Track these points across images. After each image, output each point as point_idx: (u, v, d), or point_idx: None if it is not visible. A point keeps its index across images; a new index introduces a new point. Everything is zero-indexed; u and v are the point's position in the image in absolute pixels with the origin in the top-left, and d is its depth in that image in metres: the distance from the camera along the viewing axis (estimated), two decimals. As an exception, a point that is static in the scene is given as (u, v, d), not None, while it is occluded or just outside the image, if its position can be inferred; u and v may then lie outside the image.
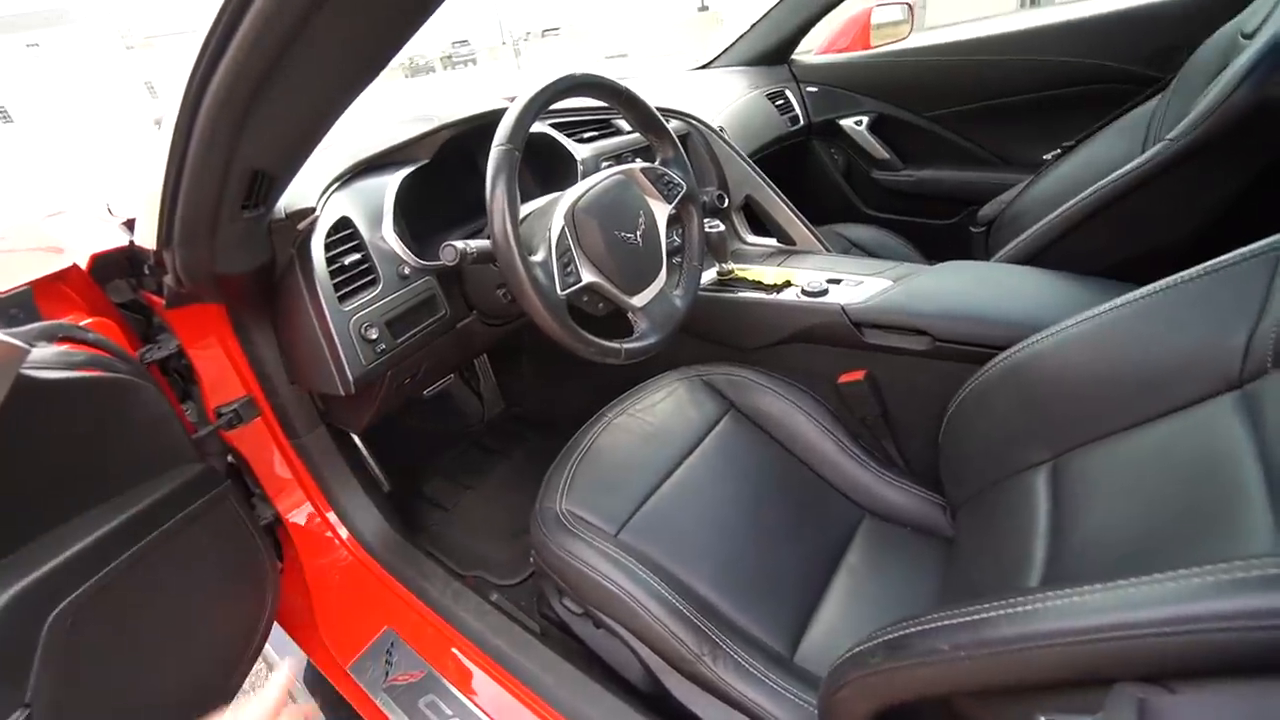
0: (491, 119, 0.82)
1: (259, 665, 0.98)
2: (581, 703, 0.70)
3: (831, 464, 0.96)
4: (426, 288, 0.88)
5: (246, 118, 0.53)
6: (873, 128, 1.75)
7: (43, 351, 0.58)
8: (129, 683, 0.67)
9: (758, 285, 1.07)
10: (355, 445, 1.09)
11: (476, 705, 0.77)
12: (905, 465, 0.98)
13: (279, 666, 1.06)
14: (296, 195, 0.77)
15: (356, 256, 0.80)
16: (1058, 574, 0.59)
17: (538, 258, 0.71)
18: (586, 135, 1.09)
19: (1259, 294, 0.58)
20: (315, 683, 1.07)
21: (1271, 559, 0.31)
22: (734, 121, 1.42)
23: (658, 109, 0.96)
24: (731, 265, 1.10)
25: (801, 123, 1.75)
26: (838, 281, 1.02)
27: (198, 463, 0.76)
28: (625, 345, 0.77)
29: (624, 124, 1.18)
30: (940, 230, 1.68)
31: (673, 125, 1.15)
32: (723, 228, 1.09)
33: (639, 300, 0.79)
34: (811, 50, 1.89)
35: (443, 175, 0.99)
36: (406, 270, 0.85)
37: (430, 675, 0.84)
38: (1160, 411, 0.63)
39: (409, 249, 0.87)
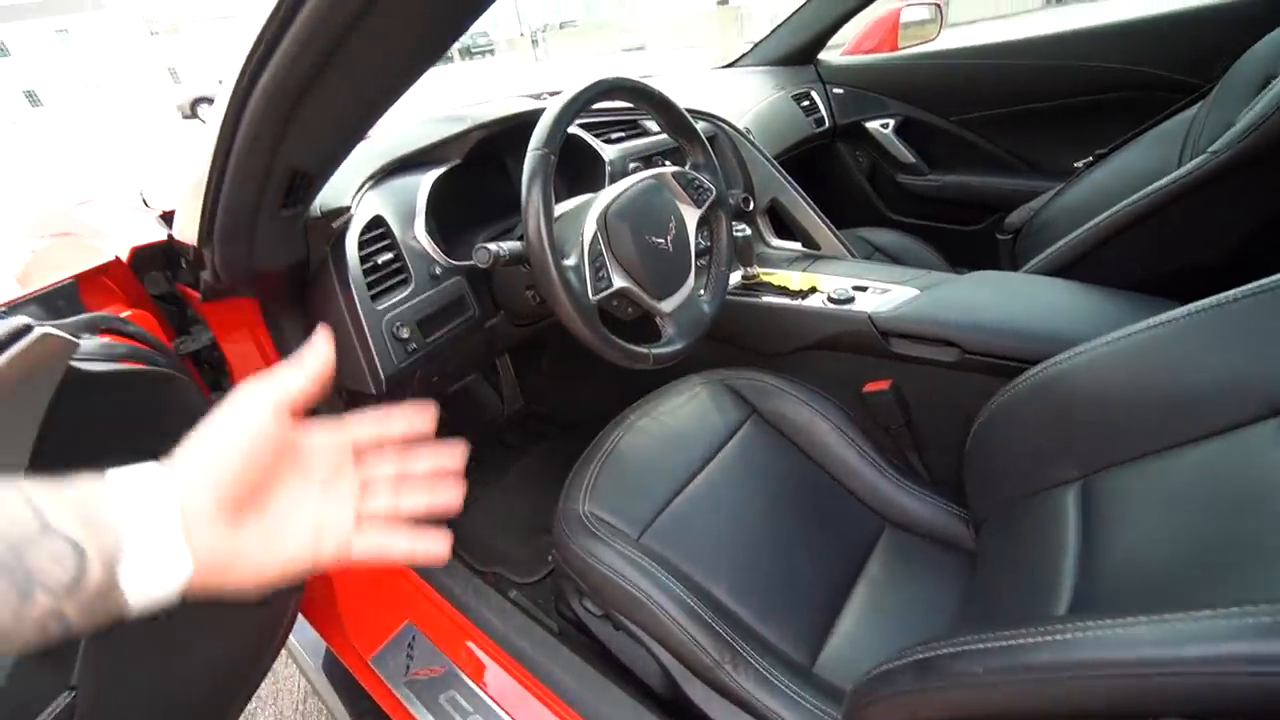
0: (522, 120, 0.83)
1: (281, 655, 1.00)
2: (601, 705, 0.71)
3: (853, 473, 0.96)
4: (456, 287, 0.88)
5: (290, 120, 0.53)
6: (899, 131, 1.73)
7: (88, 343, 0.59)
8: (163, 668, 0.68)
9: (783, 290, 1.07)
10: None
11: (496, 703, 0.78)
12: (928, 476, 0.97)
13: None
14: (331, 194, 0.78)
15: (389, 256, 0.81)
16: (1087, 597, 0.58)
17: (570, 262, 0.72)
18: (614, 136, 1.09)
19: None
20: (335, 673, 1.09)
21: None
22: (759, 123, 1.42)
23: (687, 109, 0.96)
24: (756, 269, 1.10)
25: (827, 124, 1.73)
26: (864, 289, 1.02)
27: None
28: (653, 350, 0.78)
29: (651, 125, 1.18)
30: (966, 236, 1.66)
31: (701, 126, 1.15)
32: (749, 232, 1.09)
33: (667, 305, 0.79)
34: (838, 50, 1.87)
35: (471, 174, 1.00)
36: (438, 270, 0.85)
37: (451, 671, 0.85)
38: (1198, 435, 0.62)
39: (439, 248, 0.87)
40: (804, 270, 1.11)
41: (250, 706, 1.27)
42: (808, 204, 1.21)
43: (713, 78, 1.69)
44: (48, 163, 11.71)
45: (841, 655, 0.77)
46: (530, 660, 0.77)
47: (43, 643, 0.26)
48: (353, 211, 0.79)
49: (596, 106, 1.13)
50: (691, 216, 0.84)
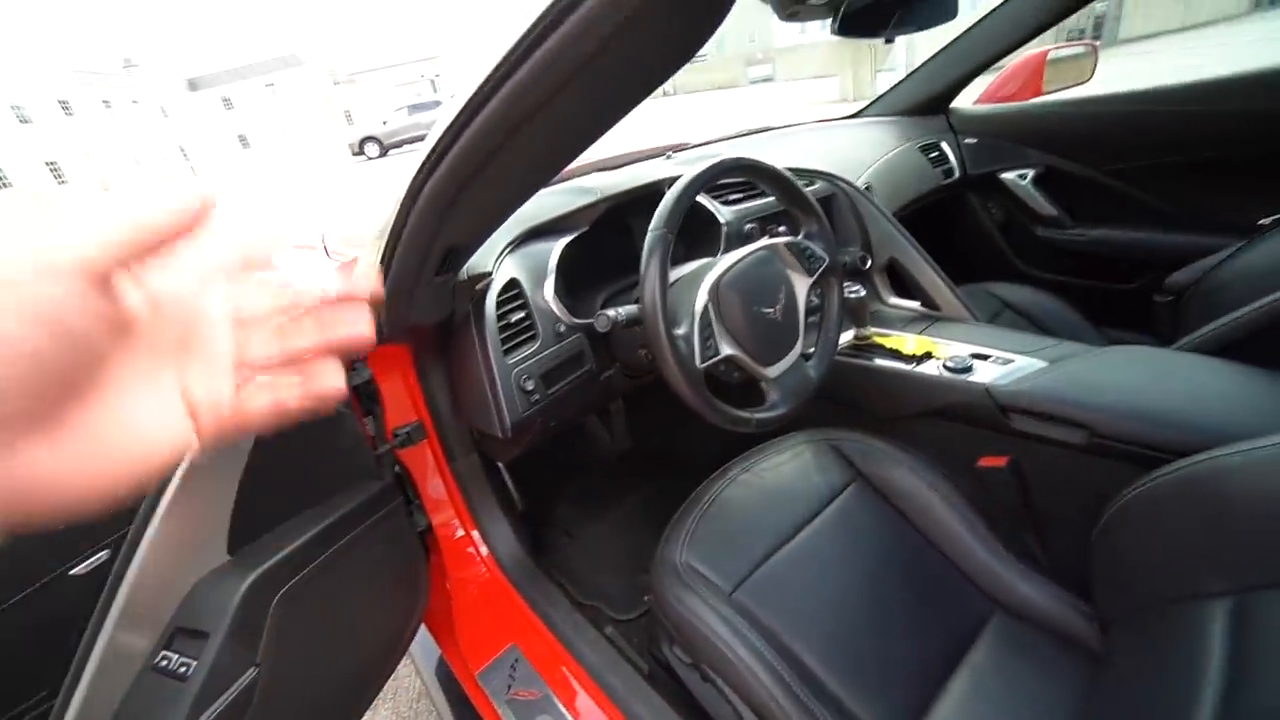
0: (648, 192, 0.90)
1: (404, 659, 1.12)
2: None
3: (963, 549, 0.92)
4: (577, 343, 0.97)
5: (449, 211, 0.64)
6: (1039, 181, 1.63)
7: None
8: (323, 655, 0.81)
9: (896, 354, 1.05)
10: (500, 471, 1.21)
11: None
12: (1047, 563, 0.91)
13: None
14: (477, 259, 0.90)
15: (521, 314, 0.91)
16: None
17: (681, 330, 0.77)
18: (732, 198, 1.13)
19: None
20: (446, 681, 1.19)
21: None
22: (882, 177, 1.40)
23: (804, 169, 0.99)
24: (870, 330, 1.09)
25: (956, 175, 1.67)
26: (984, 357, 0.98)
27: (379, 480, 0.90)
28: (756, 415, 0.80)
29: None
30: (1116, 296, 1.52)
31: (817, 186, 1.17)
32: (864, 292, 1.08)
33: (773, 371, 0.82)
34: (973, 99, 1.80)
35: (596, 235, 1.09)
36: (562, 328, 0.94)
37: (547, 697, 0.92)
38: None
39: (564, 307, 0.96)
40: (920, 333, 1.09)
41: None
42: (928, 262, 1.18)
43: (837, 130, 1.70)
44: (251, 198, 13.84)
45: (936, 745, 0.73)
46: (620, 697, 0.81)
47: None
48: (493, 275, 0.90)
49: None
50: (802, 285, 0.86)
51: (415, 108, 17.21)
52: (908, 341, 1.05)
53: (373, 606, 0.91)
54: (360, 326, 0.29)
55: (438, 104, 17.28)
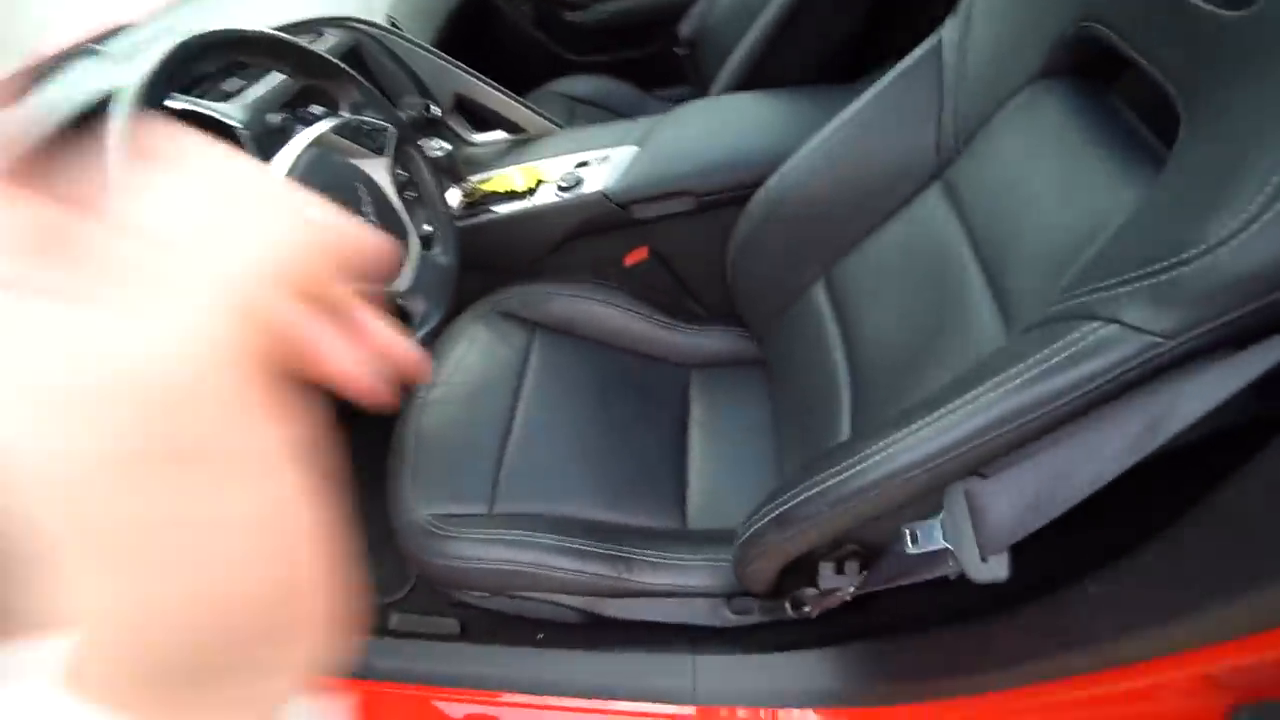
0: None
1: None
2: (537, 673, 0.72)
3: (647, 339, 1.00)
4: None
5: None
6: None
7: None
8: None
9: (510, 195, 0.99)
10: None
11: None
12: (707, 314, 1.06)
13: None
14: None
15: None
16: (861, 380, 0.70)
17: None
18: (227, 87, 0.83)
19: (935, 87, 0.67)
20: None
21: (1024, 368, 0.39)
22: (400, 6, 1.19)
23: (299, 22, 0.77)
24: (472, 182, 1.00)
25: (469, -24, 1.52)
26: (586, 164, 0.99)
27: None
28: (414, 339, 0.69)
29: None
30: (651, 62, 1.66)
31: (331, 41, 0.93)
32: (449, 146, 0.96)
33: (402, 282, 0.69)
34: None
35: None
36: None
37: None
38: (890, 211, 0.74)
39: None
40: (520, 164, 1.03)
41: None
42: (491, 85, 1.08)
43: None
44: None
45: (705, 501, 0.86)
46: (446, 675, 0.75)
47: None
48: None
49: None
50: (379, 169, 0.70)
51: None
52: (514, 178, 1.00)
53: None
54: None
55: None
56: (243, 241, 0.17)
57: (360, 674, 0.71)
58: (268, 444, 0.16)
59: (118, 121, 0.51)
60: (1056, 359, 0.38)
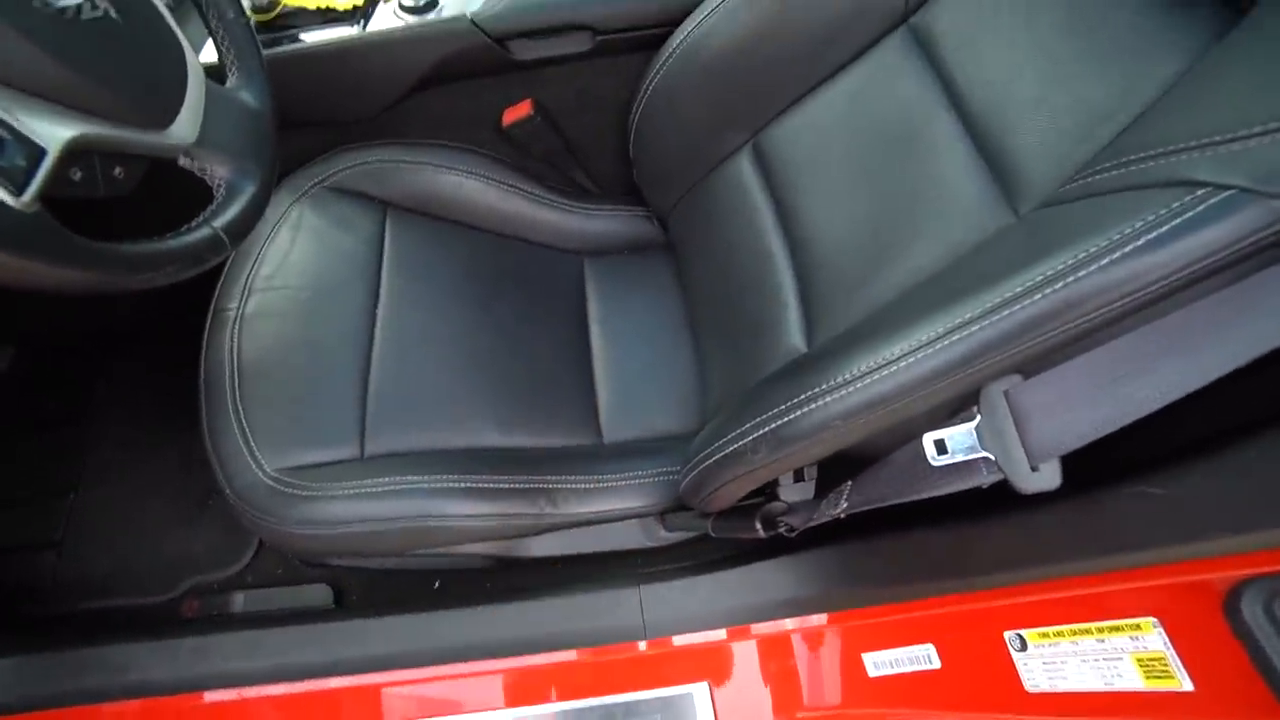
0: None
1: None
2: (444, 637, 0.59)
3: (528, 223, 0.83)
4: None
5: None
6: None
7: None
8: None
9: (329, 15, 0.70)
10: None
11: None
12: (602, 191, 0.89)
13: None
14: None
15: None
16: (808, 264, 0.61)
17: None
18: None
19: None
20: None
21: (1113, 242, 0.32)
22: None
23: None
24: (268, -9, 0.69)
25: None
26: (437, -22, 0.72)
27: None
28: (218, 224, 0.44)
29: None
30: None
31: None
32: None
33: (183, 129, 0.43)
34: None
35: None
36: None
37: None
38: (841, 63, 0.62)
39: None
40: (338, -30, 0.73)
41: None
42: None
43: None
44: None
45: (618, 409, 0.75)
46: (324, 664, 0.58)
47: None
48: None
49: None
50: None
51: None
52: (331, -10, 0.71)
53: None
54: None
55: None
56: None
57: (208, 683, 0.53)
58: None
59: None
60: (1163, 229, 0.31)
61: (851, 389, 0.40)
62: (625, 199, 0.86)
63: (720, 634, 0.58)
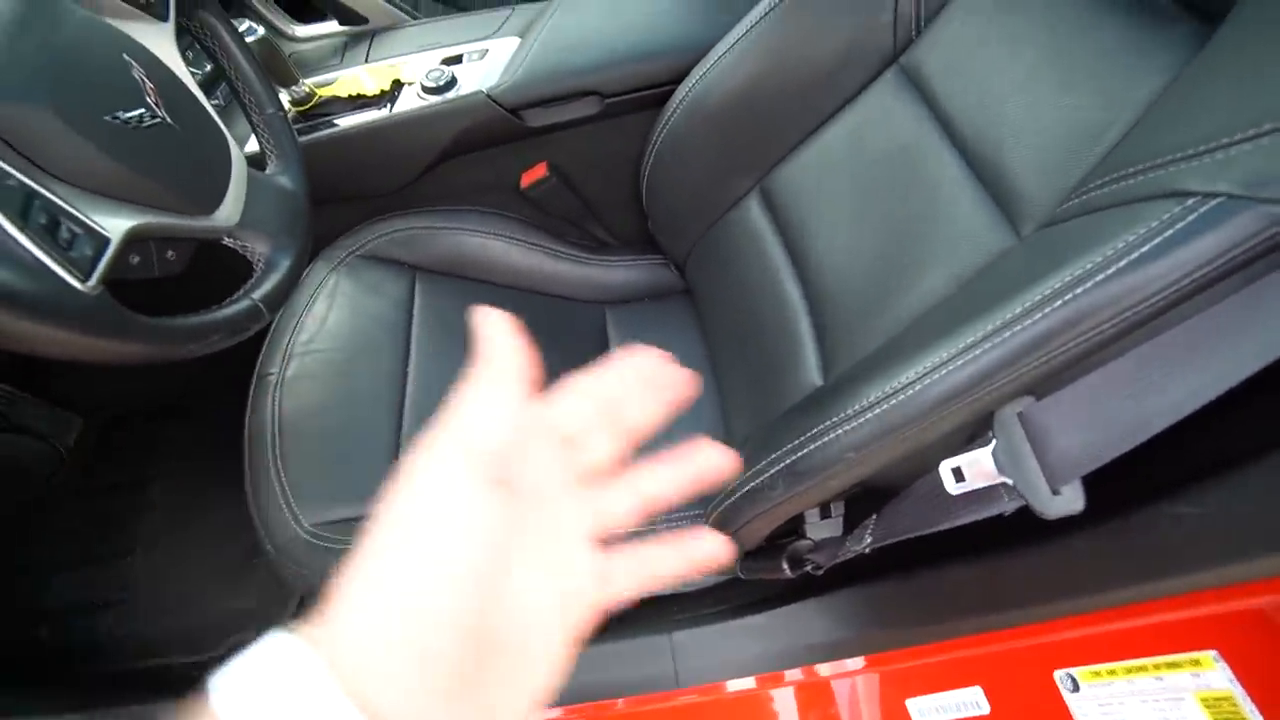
0: None
1: None
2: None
3: (553, 277, 0.86)
4: None
5: None
6: None
7: None
8: None
9: (360, 101, 0.77)
10: None
11: None
12: (619, 242, 0.93)
13: None
14: None
15: None
16: (821, 299, 0.62)
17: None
18: None
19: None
20: None
21: (1108, 257, 0.32)
22: None
23: None
24: (307, 84, 0.76)
25: None
26: (457, 59, 0.79)
27: None
28: (257, 296, 0.48)
29: None
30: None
31: None
32: (260, 30, 0.71)
33: (226, 213, 0.48)
34: None
35: None
36: None
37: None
38: (838, 105, 0.65)
39: None
40: (368, 62, 0.80)
41: None
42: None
43: None
44: None
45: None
46: None
47: None
48: None
49: None
50: (163, 41, 0.47)
51: None
52: (363, 79, 0.77)
53: None
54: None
55: None
56: None
57: None
58: None
59: None
60: (1155, 241, 0.31)
61: (862, 419, 0.40)
62: (643, 249, 0.88)
63: (758, 679, 0.56)
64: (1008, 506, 0.38)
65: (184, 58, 0.50)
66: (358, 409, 0.68)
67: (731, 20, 0.65)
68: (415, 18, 0.88)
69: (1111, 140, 0.41)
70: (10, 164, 0.35)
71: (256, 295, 0.48)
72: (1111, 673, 0.45)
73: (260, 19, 0.77)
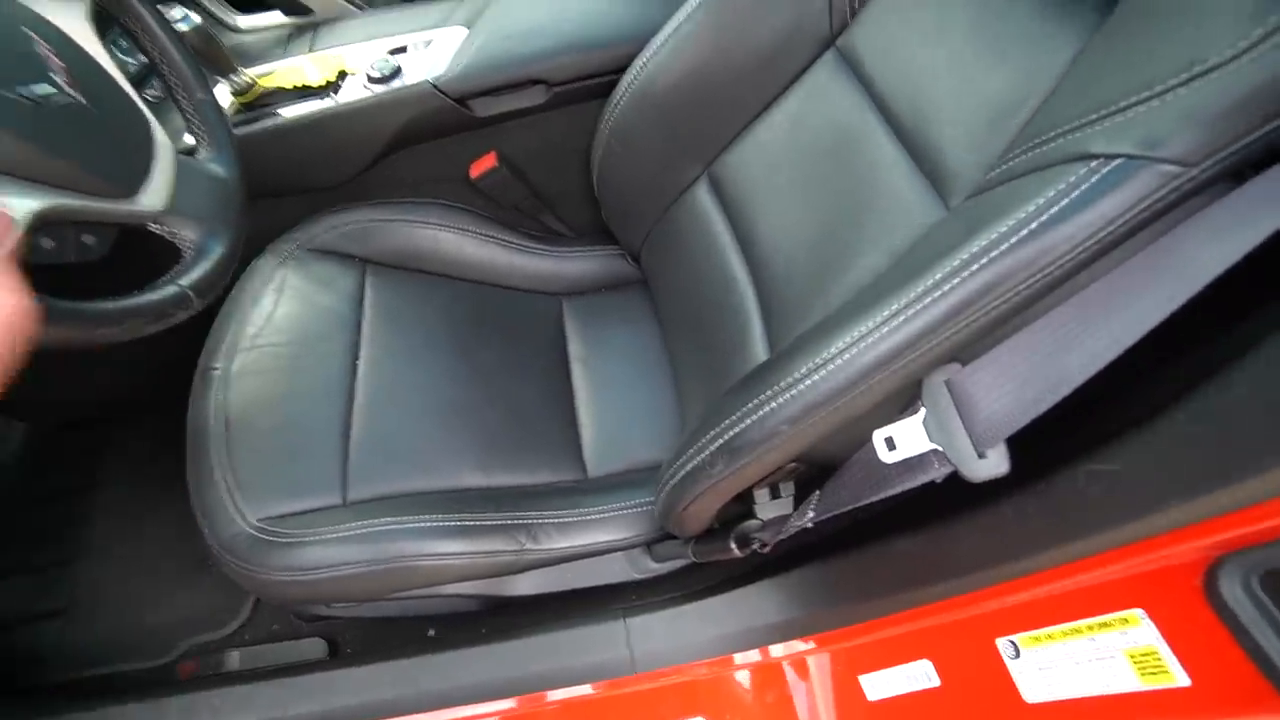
0: None
1: None
2: (436, 682, 0.59)
3: (504, 270, 0.85)
4: None
5: None
6: None
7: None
8: None
9: (304, 91, 0.75)
10: None
11: None
12: (573, 233, 0.92)
13: None
14: None
15: None
16: (768, 283, 0.62)
17: None
18: None
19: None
20: None
21: (1020, 220, 0.32)
22: None
23: None
24: (247, 75, 0.74)
25: None
26: (402, 49, 0.78)
27: None
28: (185, 283, 0.47)
29: None
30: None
31: None
32: (197, 19, 0.69)
33: (151, 198, 0.46)
34: None
35: None
36: None
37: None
38: (779, 88, 0.65)
39: None
40: (311, 51, 0.79)
41: None
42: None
43: None
44: None
45: (603, 444, 0.76)
46: (318, 713, 0.58)
47: None
48: None
49: None
50: (74, 21, 0.45)
51: None
52: (306, 69, 0.76)
53: None
54: None
55: None
56: None
57: None
58: None
59: None
60: (1063, 203, 0.32)
61: (794, 392, 0.40)
62: (598, 239, 0.88)
63: (712, 663, 0.56)
64: (939, 473, 0.38)
65: (115, 47, 0.49)
66: (306, 403, 0.66)
67: (674, 7, 0.65)
68: (363, 9, 0.86)
69: (1031, 110, 0.42)
70: None
71: (184, 281, 0.46)
72: (1049, 636, 0.46)
73: (197, 7, 0.75)
